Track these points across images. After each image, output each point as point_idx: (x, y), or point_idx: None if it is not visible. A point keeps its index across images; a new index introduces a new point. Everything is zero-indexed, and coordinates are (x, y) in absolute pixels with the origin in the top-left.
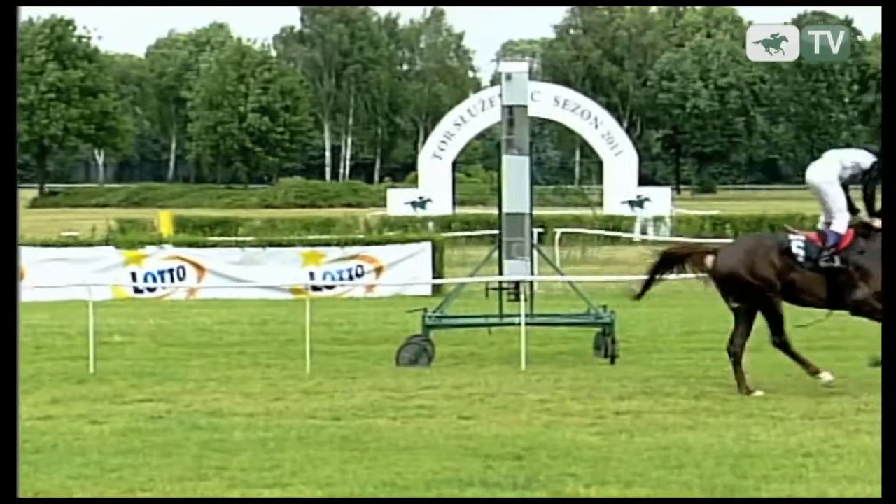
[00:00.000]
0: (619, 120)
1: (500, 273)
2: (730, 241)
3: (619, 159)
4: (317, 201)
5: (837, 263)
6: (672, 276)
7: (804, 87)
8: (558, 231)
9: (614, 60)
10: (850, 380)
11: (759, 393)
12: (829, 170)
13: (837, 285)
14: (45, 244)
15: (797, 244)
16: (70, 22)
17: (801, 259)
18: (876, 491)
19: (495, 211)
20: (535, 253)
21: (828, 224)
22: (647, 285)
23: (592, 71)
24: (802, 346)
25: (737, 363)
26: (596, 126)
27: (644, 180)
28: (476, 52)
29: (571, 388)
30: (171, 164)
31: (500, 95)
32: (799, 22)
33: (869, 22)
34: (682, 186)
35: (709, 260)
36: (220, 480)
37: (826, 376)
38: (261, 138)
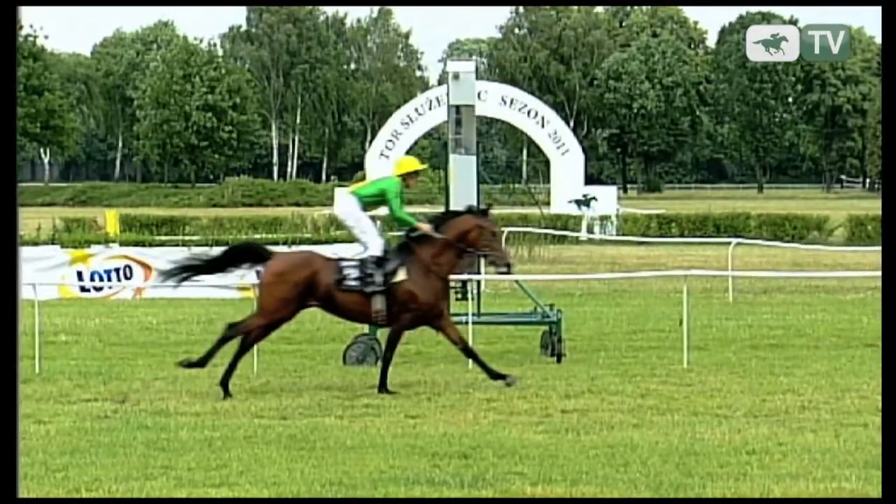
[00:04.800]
0: (566, 119)
1: None
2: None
3: (566, 158)
4: (264, 200)
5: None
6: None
7: (749, 87)
8: (505, 230)
9: (561, 60)
10: (795, 378)
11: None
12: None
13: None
14: None
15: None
16: None
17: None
18: (820, 490)
19: (442, 210)
20: None
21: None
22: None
23: (539, 71)
24: (747, 345)
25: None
26: (542, 125)
27: (590, 179)
28: (423, 51)
29: (518, 386)
30: (118, 163)
31: (447, 95)
32: (742, 22)
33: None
34: (628, 185)
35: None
36: (166, 480)
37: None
38: (207, 137)
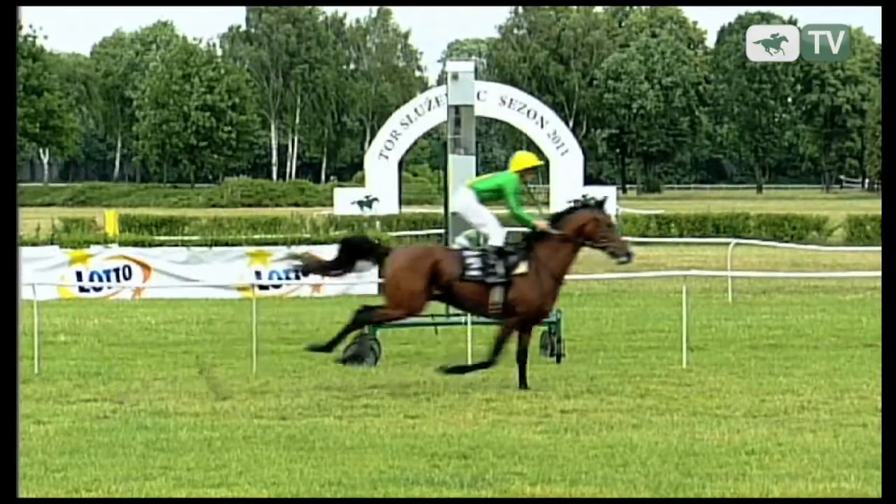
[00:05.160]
0: (565, 119)
1: None
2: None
3: (565, 159)
4: (263, 200)
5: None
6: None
7: (748, 88)
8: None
9: (560, 60)
10: (794, 378)
11: None
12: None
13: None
14: None
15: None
16: None
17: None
18: (819, 490)
19: (441, 210)
20: None
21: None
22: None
23: (538, 71)
24: (746, 345)
25: None
26: (542, 125)
27: (590, 180)
28: (422, 52)
29: (517, 386)
30: (117, 163)
31: (447, 95)
32: (742, 22)
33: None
34: (627, 186)
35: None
36: (165, 480)
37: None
38: (206, 137)
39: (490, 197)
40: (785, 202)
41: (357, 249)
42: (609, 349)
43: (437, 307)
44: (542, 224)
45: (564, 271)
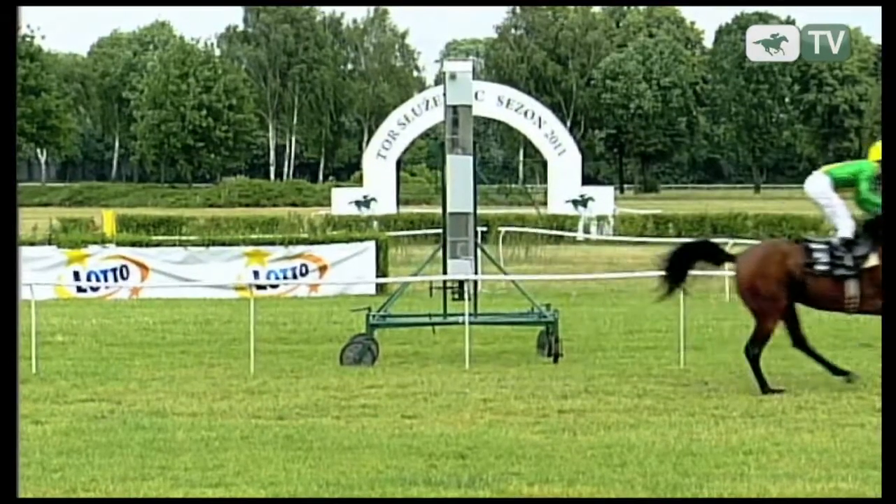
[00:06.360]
0: (563, 120)
1: (444, 272)
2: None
3: (563, 159)
4: (261, 200)
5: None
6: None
7: (746, 88)
8: (502, 230)
9: (558, 60)
10: (791, 378)
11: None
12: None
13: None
14: None
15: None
16: None
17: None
18: (816, 490)
19: (439, 210)
20: (479, 252)
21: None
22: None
23: (536, 71)
24: (744, 345)
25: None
26: (539, 126)
27: (587, 180)
28: (420, 52)
29: (515, 386)
30: (115, 163)
31: (444, 95)
32: (739, 22)
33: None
34: (625, 186)
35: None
36: (163, 480)
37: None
38: (204, 137)
39: (845, 183)
40: (783, 202)
41: (699, 251)
42: (606, 349)
43: (435, 307)
44: None
45: None
